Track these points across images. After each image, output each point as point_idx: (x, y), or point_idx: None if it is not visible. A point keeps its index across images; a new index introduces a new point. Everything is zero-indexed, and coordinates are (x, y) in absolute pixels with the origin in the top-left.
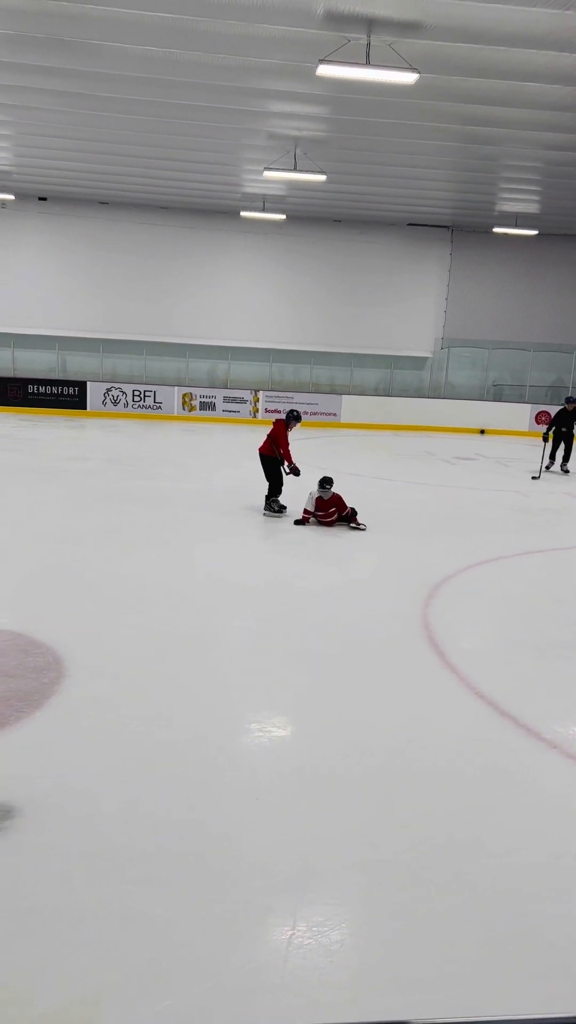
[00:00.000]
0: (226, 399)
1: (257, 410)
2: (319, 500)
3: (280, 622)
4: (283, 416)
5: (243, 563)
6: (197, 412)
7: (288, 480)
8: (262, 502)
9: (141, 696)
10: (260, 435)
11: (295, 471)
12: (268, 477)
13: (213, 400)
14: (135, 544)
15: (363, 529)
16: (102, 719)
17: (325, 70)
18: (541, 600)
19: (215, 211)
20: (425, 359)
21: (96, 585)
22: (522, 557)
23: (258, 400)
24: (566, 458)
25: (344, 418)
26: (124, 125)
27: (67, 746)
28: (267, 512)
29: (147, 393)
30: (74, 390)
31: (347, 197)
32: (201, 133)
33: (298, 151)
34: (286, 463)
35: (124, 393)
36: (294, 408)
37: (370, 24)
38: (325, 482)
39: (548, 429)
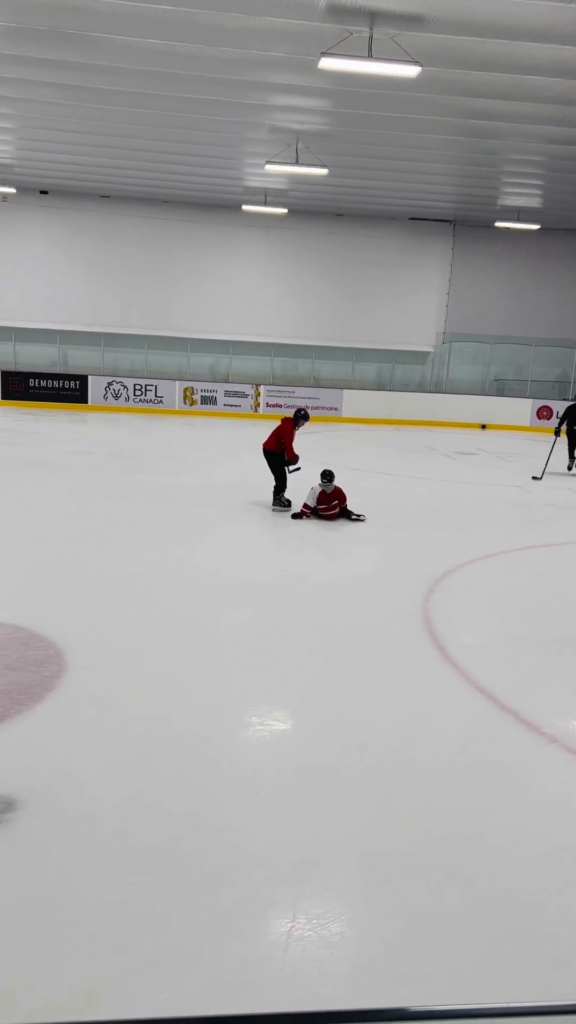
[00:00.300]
0: (227, 393)
1: (259, 404)
2: (322, 493)
3: (281, 617)
4: (290, 414)
5: (244, 557)
6: (198, 406)
7: (291, 475)
8: (263, 497)
9: (142, 690)
10: (261, 429)
11: (293, 459)
12: (274, 473)
13: (214, 394)
14: (136, 538)
15: (363, 520)
16: (103, 713)
17: (327, 63)
18: (543, 595)
19: (217, 205)
20: (427, 354)
21: (97, 579)
22: (524, 552)
23: (259, 394)
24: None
25: (345, 412)
26: (126, 118)
27: (68, 739)
28: (275, 507)
29: (148, 387)
30: (75, 384)
31: (349, 191)
32: (203, 127)
33: (300, 145)
34: (289, 460)
35: (125, 387)
36: (302, 407)
37: (372, 17)
38: (327, 475)
39: (560, 424)
